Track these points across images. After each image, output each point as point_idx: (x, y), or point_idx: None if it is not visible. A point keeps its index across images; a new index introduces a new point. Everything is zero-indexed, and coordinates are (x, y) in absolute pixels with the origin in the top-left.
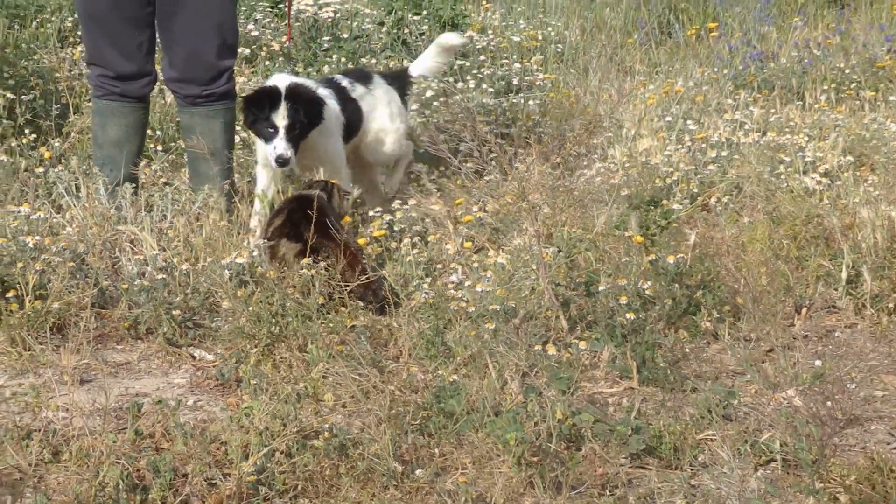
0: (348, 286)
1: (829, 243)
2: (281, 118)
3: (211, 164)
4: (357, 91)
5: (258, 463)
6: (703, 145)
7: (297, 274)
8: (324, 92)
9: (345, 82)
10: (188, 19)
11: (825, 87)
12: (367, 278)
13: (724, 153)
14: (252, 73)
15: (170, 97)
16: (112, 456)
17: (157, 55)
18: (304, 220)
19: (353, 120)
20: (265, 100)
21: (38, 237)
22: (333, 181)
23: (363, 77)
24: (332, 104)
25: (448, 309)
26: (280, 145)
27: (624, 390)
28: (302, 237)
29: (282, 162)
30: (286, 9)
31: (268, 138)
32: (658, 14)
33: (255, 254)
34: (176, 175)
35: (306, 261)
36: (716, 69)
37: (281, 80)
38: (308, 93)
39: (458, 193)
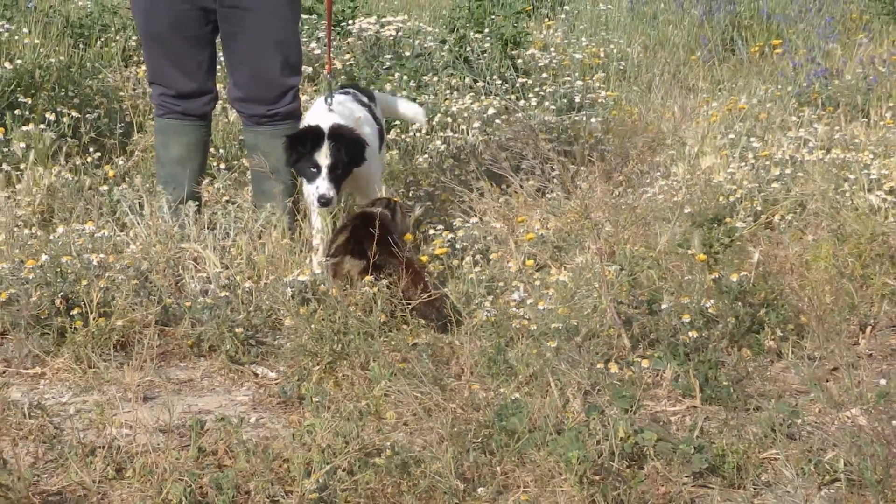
0: (411, 303)
1: (894, 261)
2: (324, 157)
3: (275, 182)
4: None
5: (320, 480)
6: (767, 163)
7: (359, 292)
8: (357, 108)
9: (365, 99)
10: (251, 39)
11: (890, 104)
12: (429, 296)
13: (787, 171)
14: (315, 91)
15: (233, 115)
16: (175, 473)
17: (219, 74)
18: (367, 238)
19: (383, 134)
20: (309, 139)
21: (102, 255)
22: (396, 199)
23: (368, 94)
24: (371, 122)
25: (510, 327)
26: (322, 185)
27: (687, 409)
28: (366, 254)
29: (324, 202)
30: (326, 44)
31: (310, 178)
32: (721, 31)
33: (317, 271)
34: (239, 193)
35: (368, 278)
36: (779, 86)
37: (324, 120)
38: (350, 133)
39: (520, 211)
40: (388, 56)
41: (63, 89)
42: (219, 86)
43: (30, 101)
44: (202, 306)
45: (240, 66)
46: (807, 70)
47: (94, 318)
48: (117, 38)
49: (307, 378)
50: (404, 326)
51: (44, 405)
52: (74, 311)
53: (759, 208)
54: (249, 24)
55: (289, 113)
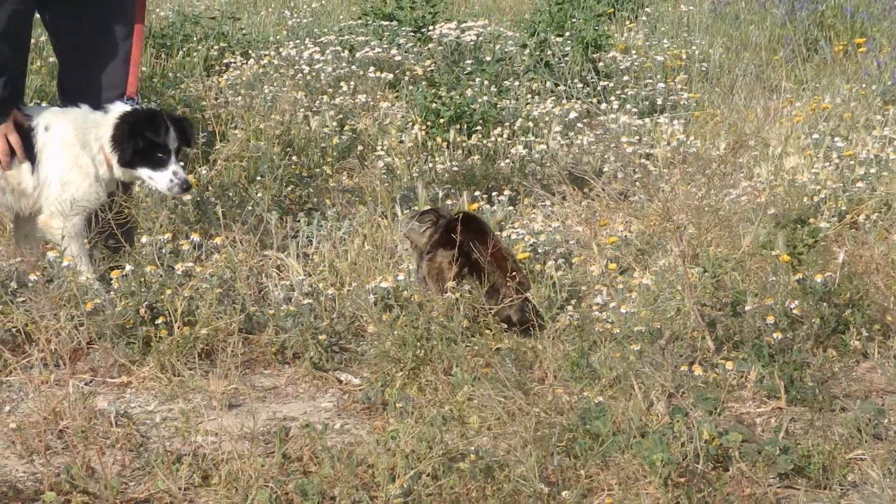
0: (493, 307)
1: None
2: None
3: None
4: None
5: (405, 485)
6: (851, 162)
7: (449, 286)
8: None
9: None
10: None
11: None
12: (511, 301)
13: (872, 170)
14: (395, 97)
15: (314, 122)
16: (260, 479)
17: None
18: (462, 232)
19: None
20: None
21: (186, 264)
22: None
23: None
24: None
25: (593, 330)
26: (181, 170)
27: (772, 410)
28: (455, 244)
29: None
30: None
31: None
32: (804, 30)
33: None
34: (321, 201)
35: (451, 283)
36: (864, 85)
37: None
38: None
39: (602, 214)
40: (469, 61)
41: (146, 99)
42: None
43: None
44: (286, 314)
45: None
46: (891, 68)
47: (178, 327)
48: (199, 47)
49: (391, 384)
50: (487, 331)
51: (130, 414)
52: (159, 321)
53: (843, 208)
54: None
55: None
